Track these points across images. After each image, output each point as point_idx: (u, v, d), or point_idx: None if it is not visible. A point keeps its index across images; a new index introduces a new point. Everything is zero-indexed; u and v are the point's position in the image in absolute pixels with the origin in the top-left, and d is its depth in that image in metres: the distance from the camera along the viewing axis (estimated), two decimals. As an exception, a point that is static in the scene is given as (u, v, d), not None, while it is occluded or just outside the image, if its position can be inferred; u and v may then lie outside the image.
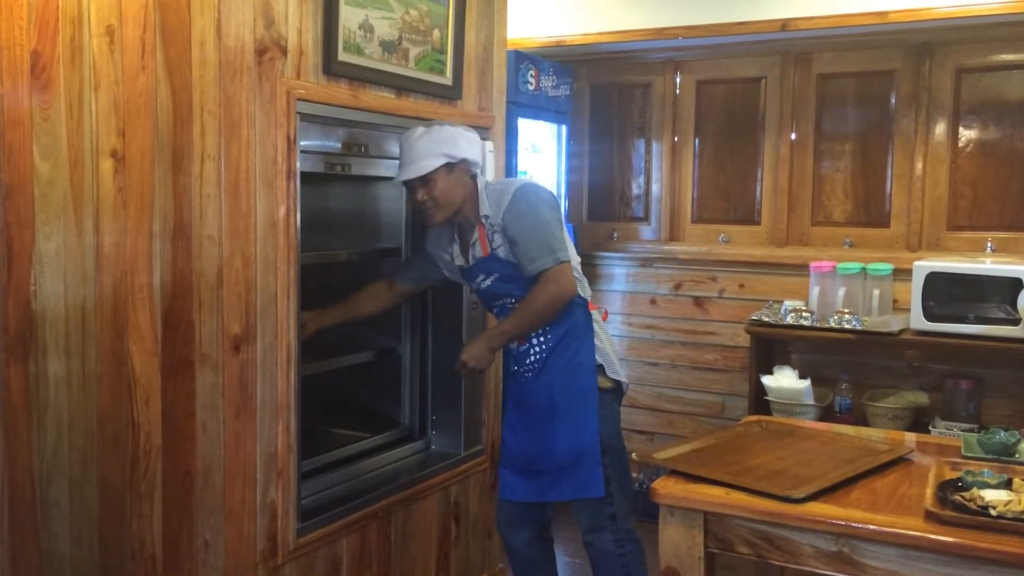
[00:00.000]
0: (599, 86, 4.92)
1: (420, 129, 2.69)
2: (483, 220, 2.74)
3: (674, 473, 2.27)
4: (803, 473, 2.21)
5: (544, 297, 2.68)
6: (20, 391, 2.57)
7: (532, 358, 2.77)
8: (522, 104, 4.23)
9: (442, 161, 2.64)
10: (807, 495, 2.04)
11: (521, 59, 4.22)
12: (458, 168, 2.70)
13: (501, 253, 2.74)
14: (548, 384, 2.75)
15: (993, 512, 1.93)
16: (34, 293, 2.53)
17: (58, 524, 2.56)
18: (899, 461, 2.39)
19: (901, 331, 3.85)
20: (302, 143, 2.53)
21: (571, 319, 2.76)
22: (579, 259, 2.87)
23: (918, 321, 3.76)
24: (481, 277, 2.79)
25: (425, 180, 2.66)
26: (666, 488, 2.19)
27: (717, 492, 2.14)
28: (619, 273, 4.90)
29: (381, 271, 3.17)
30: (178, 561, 2.41)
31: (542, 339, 2.76)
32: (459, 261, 2.86)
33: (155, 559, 2.42)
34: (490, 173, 3.23)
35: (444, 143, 2.66)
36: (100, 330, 2.45)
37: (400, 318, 3.30)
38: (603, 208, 5.00)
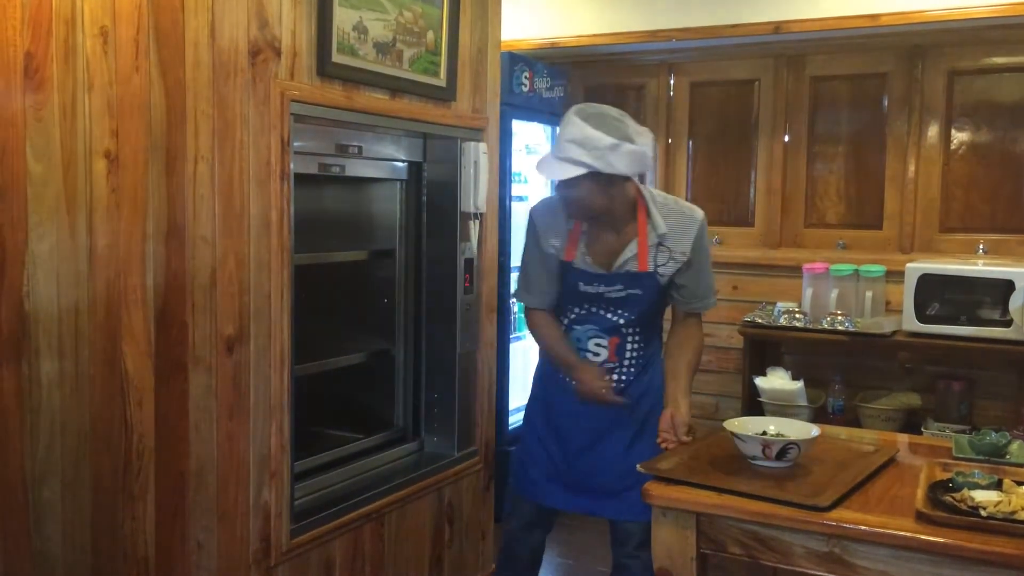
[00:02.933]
0: (593, 88, 4.93)
1: (578, 123, 2.46)
2: (652, 236, 2.58)
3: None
4: (812, 480, 2.21)
5: (702, 337, 2.73)
6: (12, 392, 2.56)
7: (616, 377, 2.67)
8: (516, 106, 4.24)
9: (582, 168, 2.46)
10: (833, 502, 2.04)
11: (515, 61, 4.23)
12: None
13: (664, 275, 2.61)
14: (630, 407, 2.67)
15: (983, 513, 1.94)
16: (27, 294, 2.53)
17: (51, 526, 2.56)
18: (889, 463, 2.40)
19: (894, 333, 3.87)
20: (296, 144, 2.53)
21: (657, 343, 2.74)
22: None
23: (910, 323, 3.77)
24: (618, 287, 2.61)
25: (569, 183, 2.50)
26: (658, 490, 2.19)
27: (709, 493, 2.14)
28: (613, 275, 4.90)
29: (377, 274, 3.17)
30: (171, 562, 2.40)
31: (633, 361, 2.68)
32: (586, 259, 2.62)
33: (148, 560, 2.42)
34: (484, 176, 3.23)
35: (598, 150, 2.46)
36: (93, 331, 2.45)
37: (393, 319, 3.30)
38: (597, 210, 5.00)
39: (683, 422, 2.57)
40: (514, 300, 2.80)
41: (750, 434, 2.32)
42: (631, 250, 2.60)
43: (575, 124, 2.45)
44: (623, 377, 2.69)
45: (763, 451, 2.28)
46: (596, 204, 2.53)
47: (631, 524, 2.71)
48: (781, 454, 2.27)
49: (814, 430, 2.40)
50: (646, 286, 2.62)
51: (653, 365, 2.73)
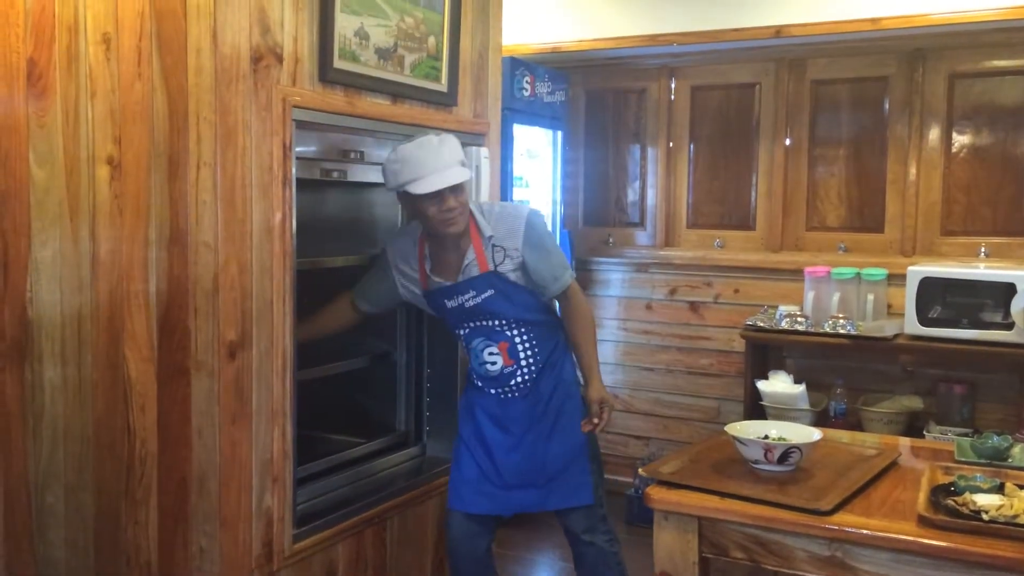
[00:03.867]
0: (594, 92, 4.94)
1: (433, 138, 2.67)
2: (483, 238, 2.75)
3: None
4: (814, 484, 2.22)
5: (586, 309, 2.87)
6: (16, 398, 2.57)
7: (520, 379, 2.79)
8: (517, 110, 4.24)
9: (467, 169, 2.70)
10: (835, 506, 2.05)
11: (516, 65, 4.24)
12: None
13: (509, 273, 2.74)
14: (538, 402, 2.80)
15: (985, 516, 1.94)
16: (30, 300, 2.53)
17: (54, 530, 2.56)
18: (891, 466, 2.40)
19: (895, 336, 3.86)
20: (298, 150, 2.54)
21: (556, 338, 2.85)
22: None
23: (912, 326, 3.77)
24: (471, 294, 2.76)
25: (455, 188, 2.65)
26: (660, 493, 2.19)
27: (711, 497, 2.14)
28: (615, 278, 4.92)
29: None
30: (173, 567, 2.41)
31: (531, 360, 2.79)
32: (436, 279, 2.80)
33: (151, 565, 2.43)
34: (486, 180, 3.24)
35: (460, 152, 2.71)
36: (96, 337, 2.45)
37: (395, 323, 3.30)
38: (599, 213, 5.01)
39: (595, 400, 2.75)
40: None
41: (752, 438, 2.33)
42: (469, 256, 2.75)
43: (431, 141, 2.65)
44: (525, 377, 2.79)
45: (765, 455, 2.28)
46: (466, 208, 2.72)
47: (573, 511, 2.82)
48: (783, 458, 2.28)
49: (816, 434, 2.41)
50: (495, 285, 2.74)
51: (559, 360, 2.83)
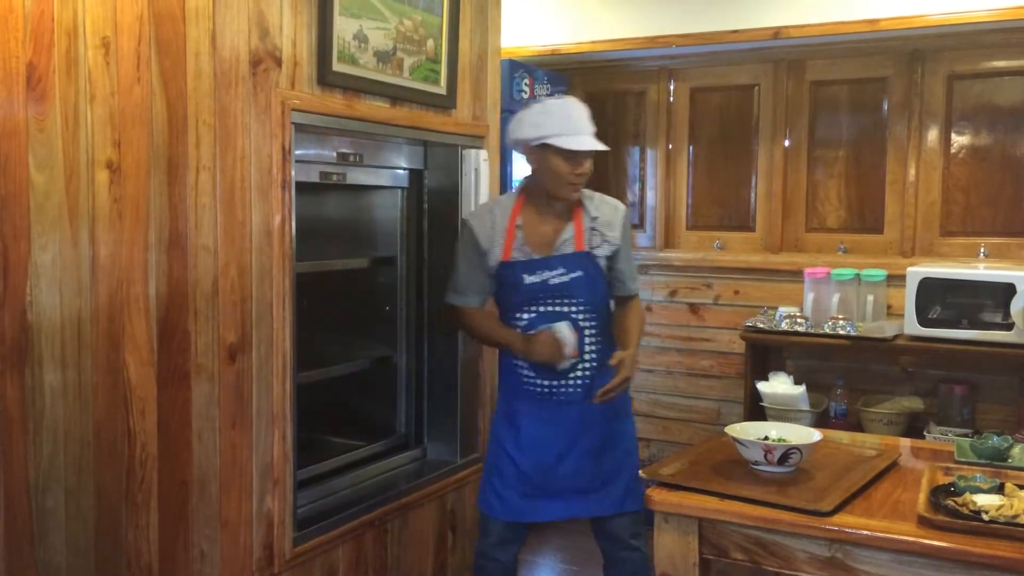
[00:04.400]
0: (593, 94, 4.94)
1: (576, 100, 2.73)
2: (587, 217, 2.73)
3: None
4: (814, 485, 2.22)
5: (643, 317, 2.96)
6: (16, 402, 2.57)
7: (579, 374, 2.72)
8: (516, 112, 4.24)
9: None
10: (835, 507, 2.05)
11: (515, 68, 4.24)
12: None
13: (600, 259, 2.74)
14: (591, 405, 2.71)
15: (985, 517, 1.94)
16: (30, 304, 2.53)
17: (54, 534, 2.56)
18: (892, 467, 2.40)
19: (895, 337, 3.86)
20: (297, 153, 2.54)
21: (610, 339, 2.80)
22: None
23: (912, 327, 3.77)
24: (559, 271, 2.69)
25: (590, 155, 2.67)
26: (661, 495, 2.19)
27: (711, 498, 2.14)
28: (614, 280, 4.91)
29: (378, 281, 3.17)
30: (174, 571, 2.41)
31: (593, 355, 2.73)
32: (524, 250, 2.71)
33: (151, 569, 2.43)
34: (485, 182, 3.24)
35: None
36: (96, 341, 2.45)
37: (395, 326, 3.31)
38: (598, 215, 5.01)
39: (618, 359, 2.66)
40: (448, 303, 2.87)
41: (752, 439, 2.33)
42: (568, 232, 2.72)
43: (576, 102, 2.71)
44: (586, 373, 2.74)
45: (765, 456, 2.28)
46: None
47: (623, 516, 2.79)
48: (783, 459, 2.28)
49: (815, 435, 2.41)
50: (587, 268, 2.71)
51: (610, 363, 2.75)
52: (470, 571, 3.43)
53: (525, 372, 2.75)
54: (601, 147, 2.64)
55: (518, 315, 2.75)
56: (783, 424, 2.58)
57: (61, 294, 2.50)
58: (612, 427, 2.77)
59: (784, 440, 2.36)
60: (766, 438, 2.37)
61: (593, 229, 2.73)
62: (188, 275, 2.32)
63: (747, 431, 2.42)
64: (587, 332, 2.72)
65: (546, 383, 2.74)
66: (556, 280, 2.69)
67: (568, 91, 4.71)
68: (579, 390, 2.73)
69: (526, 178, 2.81)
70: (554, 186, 2.68)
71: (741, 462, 2.34)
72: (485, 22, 3.33)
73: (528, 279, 2.70)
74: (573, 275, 2.69)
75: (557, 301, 2.71)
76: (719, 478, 2.26)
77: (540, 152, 2.66)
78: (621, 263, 2.79)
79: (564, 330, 2.67)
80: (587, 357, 2.73)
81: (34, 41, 2.47)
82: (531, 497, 2.76)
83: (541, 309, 2.71)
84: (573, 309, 2.71)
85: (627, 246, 2.82)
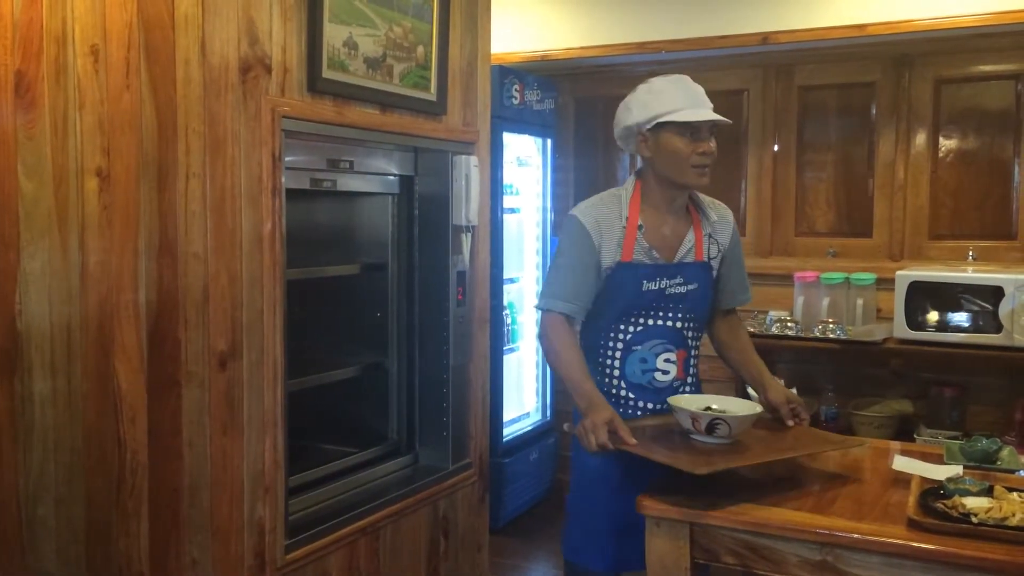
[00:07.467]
0: (583, 99, 4.95)
1: (685, 76, 2.44)
2: (705, 222, 2.48)
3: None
4: (735, 456, 2.20)
5: (748, 333, 2.67)
6: (5, 410, 2.56)
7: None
8: (507, 118, 4.26)
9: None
10: (711, 471, 2.06)
11: (505, 74, 4.25)
12: None
13: (714, 267, 2.49)
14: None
15: (975, 519, 1.95)
16: (19, 312, 2.53)
17: (45, 543, 2.55)
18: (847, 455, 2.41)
19: (885, 340, 3.88)
20: (287, 160, 2.54)
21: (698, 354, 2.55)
22: None
23: (901, 330, 3.79)
24: (679, 280, 2.41)
25: (713, 131, 2.36)
26: (652, 500, 2.20)
27: (702, 503, 2.15)
28: (605, 285, 4.91)
29: (369, 287, 3.16)
30: (165, 579, 2.40)
31: (693, 376, 2.50)
32: (649, 252, 2.39)
33: (142, 577, 2.42)
34: (475, 188, 3.24)
35: None
36: (85, 348, 2.45)
37: (386, 332, 3.30)
38: (589, 220, 5.01)
39: (783, 400, 2.42)
40: (537, 307, 2.48)
41: (689, 408, 2.28)
42: (690, 238, 2.45)
43: (684, 77, 2.43)
44: (688, 392, 2.48)
45: (692, 424, 2.25)
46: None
47: None
48: (710, 428, 2.22)
49: (756, 408, 2.35)
50: (703, 280, 2.46)
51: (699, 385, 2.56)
52: (462, 577, 3.43)
53: (627, 388, 2.44)
54: (718, 117, 2.33)
55: (622, 327, 2.41)
56: (733, 399, 2.46)
57: (50, 302, 2.50)
58: None
59: (726, 412, 2.28)
60: (708, 409, 2.29)
61: (710, 236, 2.47)
62: (178, 282, 2.31)
63: (693, 401, 2.35)
64: (692, 352, 2.47)
65: (647, 407, 2.45)
66: (673, 290, 2.40)
67: (558, 96, 4.72)
68: None
69: (638, 171, 2.51)
70: (678, 172, 2.35)
71: (684, 432, 2.30)
72: (475, 28, 3.34)
73: (647, 284, 2.38)
74: (690, 287, 2.42)
75: (666, 315, 2.41)
76: (658, 445, 2.23)
77: (655, 135, 2.37)
78: (733, 270, 2.53)
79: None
80: (689, 380, 2.48)
81: (23, 49, 2.47)
82: (636, 542, 2.23)
83: (649, 323, 2.40)
84: (680, 324, 2.42)
85: (738, 251, 2.55)
